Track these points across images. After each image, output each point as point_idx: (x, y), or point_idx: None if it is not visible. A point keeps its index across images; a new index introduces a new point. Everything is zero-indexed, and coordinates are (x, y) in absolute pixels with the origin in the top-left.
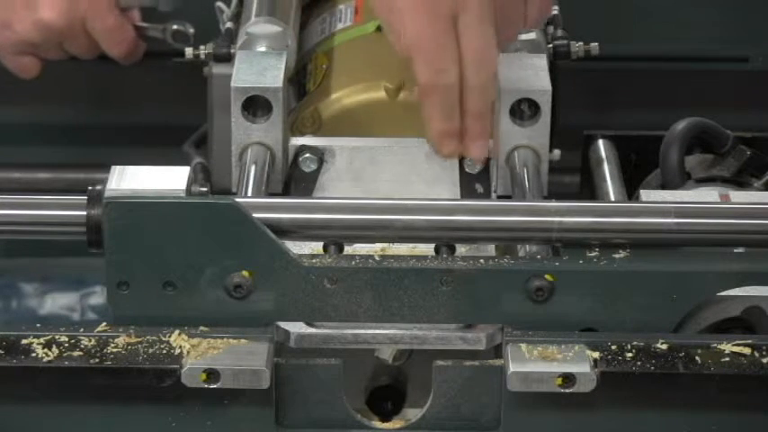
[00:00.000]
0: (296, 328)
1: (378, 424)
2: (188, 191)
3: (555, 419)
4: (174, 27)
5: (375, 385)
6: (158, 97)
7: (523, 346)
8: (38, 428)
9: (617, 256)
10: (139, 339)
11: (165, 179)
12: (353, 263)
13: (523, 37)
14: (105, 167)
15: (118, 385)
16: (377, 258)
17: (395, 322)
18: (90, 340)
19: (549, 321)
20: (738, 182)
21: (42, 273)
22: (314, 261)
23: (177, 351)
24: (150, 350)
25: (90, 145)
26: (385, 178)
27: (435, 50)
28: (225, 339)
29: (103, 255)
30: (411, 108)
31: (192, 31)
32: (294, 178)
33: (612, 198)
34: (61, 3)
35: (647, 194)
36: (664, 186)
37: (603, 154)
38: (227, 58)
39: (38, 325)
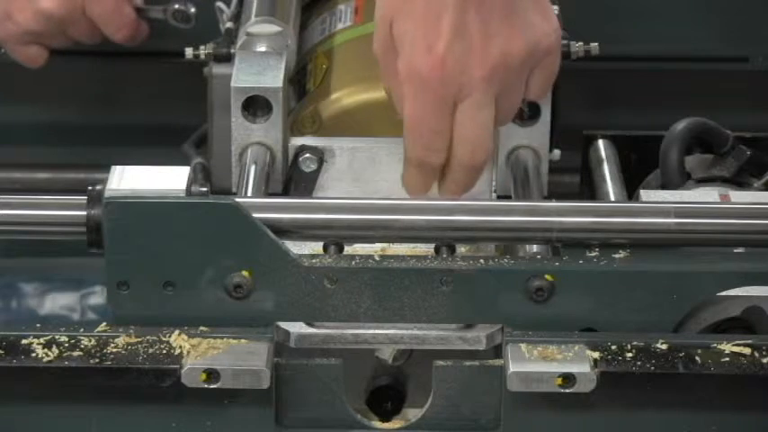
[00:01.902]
0: (296, 328)
1: (378, 424)
2: (188, 191)
3: (555, 419)
4: (176, 7)
5: (375, 385)
6: (158, 97)
7: (523, 346)
8: (38, 428)
9: (617, 256)
10: (139, 339)
11: (165, 179)
12: (353, 263)
13: None
14: (105, 167)
15: (118, 385)
16: (377, 258)
17: (395, 322)
18: (90, 340)
19: (549, 321)
20: (738, 182)
21: (42, 273)
22: (314, 261)
23: (177, 351)
24: (150, 350)
25: (90, 145)
26: (385, 178)
27: (429, 134)
28: (225, 339)
29: (103, 255)
30: None
31: (193, 10)
32: (294, 178)
33: (612, 198)
34: None
35: (647, 194)
36: (664, 186)
37: (603, 154)
38: (227, 58)
39: (38, 325)
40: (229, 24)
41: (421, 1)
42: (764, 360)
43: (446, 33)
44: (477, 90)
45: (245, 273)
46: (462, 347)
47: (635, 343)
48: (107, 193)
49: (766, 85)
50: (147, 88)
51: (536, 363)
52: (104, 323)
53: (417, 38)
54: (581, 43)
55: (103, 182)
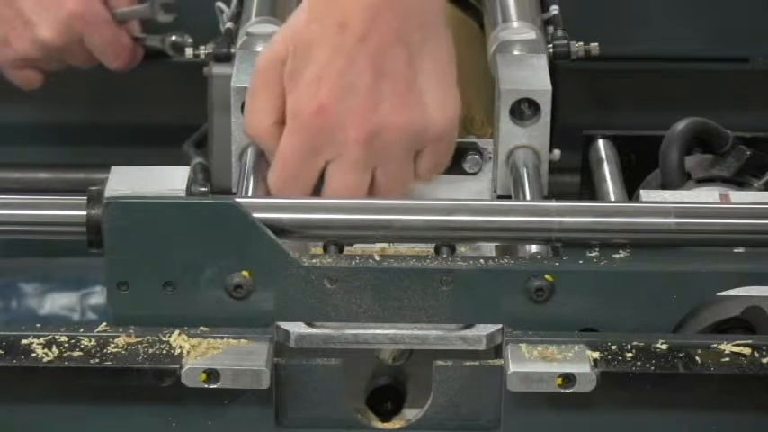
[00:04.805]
0: (296, 328)
1: (378, 424)
2: (188, 191)
3: (555, 419)
4: (173, 38)
5: (375, 385)
6: (158, 97)
7: (523, 346)
8: (38, 428)
9: (617, 256)
10: (139, 339)
11: (165, 179)
12: (353, 263)
13: (523, 37)
14: (105, 167)
15: (118, 385)
16: (377, 258)
17: (395, 322)
18: (90, 340)
19: (549, 321)
20: (738, 182)
21: (42, 273)
22: (314, 261)
23: (177, 351)
24: (150, 350)
25: (90, 145)
26: None
27: (290, 176)
28: (225, 339)
29: (103, 255)
30: None
31: (190, 41)
32: None
33: (612, 198)
34: (58, 21)
35: (647, 194)
36: (664, 186)
37: (603, 154)
38: (227, 58)
39: (38, 325)
40: (229, 24)
41: (325, 50)
42: (764, 360)
43: (336, 86)
44: (349, 151)
45: (245, 273)
46: (462, 347)
47: (635, 343)
48: (107, 193)
49: (766, 85)
50: (147, 88)
51: (536, 363)
52: (104, 323)
53: (309, 82)
54: (581, 43)
55: (103, 182)
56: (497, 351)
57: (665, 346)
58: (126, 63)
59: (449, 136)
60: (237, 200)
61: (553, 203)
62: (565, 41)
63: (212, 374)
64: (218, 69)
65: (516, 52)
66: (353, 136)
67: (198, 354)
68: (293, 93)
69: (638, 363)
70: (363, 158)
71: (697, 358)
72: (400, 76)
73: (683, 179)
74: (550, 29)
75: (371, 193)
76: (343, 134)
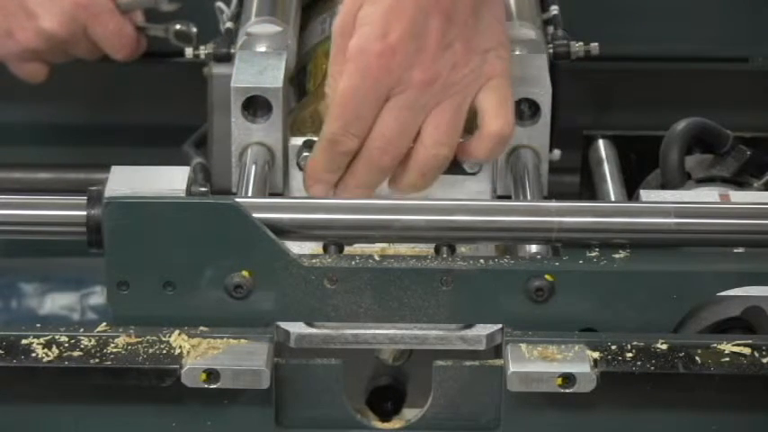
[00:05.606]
0: (296, 328)
1: (378, 424)
2: (188, 191)
3: (555, 419)
4: (177, 27)
5: (375, 385)
6: (158, 97)
7: (523, 346)
8: (38, 428)
9: (617, 256)
10: (139, 339)
11: (165, 179)
12: (353, 263)
13: (523, 37)
14: (105, 167)
15: (118, 385)
16: (377, 258)
17: (395, 322)
18: (90, 340)
19: (549, 321)
20: (738, 182)
21: (42, 273)
22: (314, 261)
23: (177, 351)
24: (150, 350)
25: (90, 145)
26: None
27: (352, 114)
28: (225, 339)
29: (103, 255)
30: None
31: (194, 30)
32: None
33: (612, 198)
34: (62, 12)
35: (647, 194)
36: (664, 186)
37: (603, 154)
38: (227, 58)
39: (38, 325)
40: (229, 24)
41: None
42: (764, 360)
43: (404, 28)
44: (412, 90)
45: (245, 273)
46: (462, 347)
47: (635, 343)
48: (107, 193)
49: (766, 85)
50: (147, 88)
51: (536, 363)
52: (104, 323)
53: (377, 23)
54: (581, 43)
55: (103, 182)
56: (497, 351)
57: (665, 346)
58: (130, 53)
59: (505, 72)
60: (237, 200)
61: (553, 203)
62: (565, 41)
63: (212, 374)
64: (218, 69)
65: (516, 52)
66: (419, 77)
67: (198, 354)
68: (359, 31)
69: (638, 363)
70: (423, 99)
71: (697, 358)
72: (464, 21)
73: (683, 179)
74: (550, 29)
75: (417, 143)
76: (409, 74)
